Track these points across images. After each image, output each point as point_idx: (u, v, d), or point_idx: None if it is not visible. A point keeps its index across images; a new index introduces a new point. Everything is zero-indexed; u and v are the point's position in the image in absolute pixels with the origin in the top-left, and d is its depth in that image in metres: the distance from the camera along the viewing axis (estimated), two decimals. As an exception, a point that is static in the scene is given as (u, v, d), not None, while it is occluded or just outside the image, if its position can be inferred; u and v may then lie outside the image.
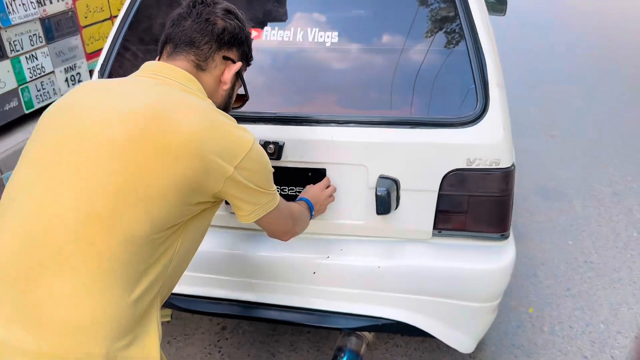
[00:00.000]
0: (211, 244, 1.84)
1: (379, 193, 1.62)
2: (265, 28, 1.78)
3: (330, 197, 1.71)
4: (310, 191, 1.67)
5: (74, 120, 1.01)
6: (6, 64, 3.34)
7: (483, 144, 1.61)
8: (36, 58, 3.60)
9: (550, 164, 4.04)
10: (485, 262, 1.73)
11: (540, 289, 2.71)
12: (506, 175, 1.65)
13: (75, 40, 4.06)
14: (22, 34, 3.43)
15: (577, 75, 6.19)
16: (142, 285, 0.98)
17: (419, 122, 1.64)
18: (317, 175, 1.73)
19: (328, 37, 1.74)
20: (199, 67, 1.19)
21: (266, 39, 1.77)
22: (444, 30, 1.73)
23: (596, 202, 3.52)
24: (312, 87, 1.77)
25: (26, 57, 3.48)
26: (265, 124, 1.72)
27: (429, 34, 1.74)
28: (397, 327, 1.79)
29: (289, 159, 1.73)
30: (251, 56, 1.34)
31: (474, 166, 1.64)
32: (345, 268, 1.77)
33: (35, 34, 3.56)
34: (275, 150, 1.70)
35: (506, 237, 1.76)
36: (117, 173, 0.95)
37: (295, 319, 1.84)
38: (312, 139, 1.69)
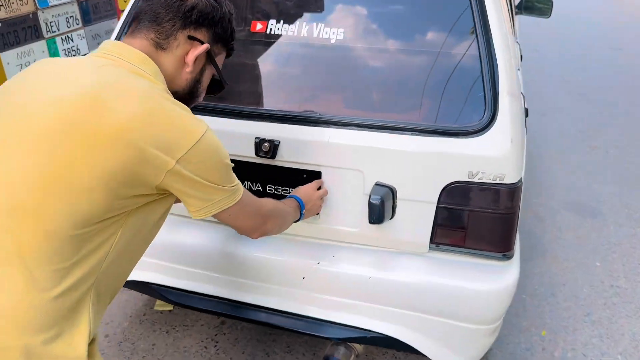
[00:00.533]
0: (203, 239, 1.80)
1: (372, 201, 1.54)
2: (270, 21, 1.71)
3: (322, 199, 1.64)
4: (302, 190, 1.60)
5: (8, 107, 0.97)
6: (41, 44, 3.41)
7: (487, 156, 1.50)
8: (72, 40, 3.67)
9: (587, 178, 3.81)
10: (485, 282, 1.62)
11: (557, 311, 2.55)
12: (511, 192, 1.54)
13: (112, 24, 4.11)
14: (59, 15, 3.49)
15: (629, 85, 5.84)
16: (69, 279, 0.93)
17: (420, 129, 1.54)
18: (312, 177, 1.67)
19: (333, 33, 1.66)
20: (159, 46, 1.10)
21: (269, 32, 1.71)
22: (454, 31, 1.62)
23: (632, 222, 3.30)
24: (313, 85, 1.69)
25: (62, 39, 3.55)
26: (261, 120, 1.66)
27: (439, 35, 1.63)
28: (387, 341, 1.71)
29: (284, 159, 1.66)
30: (230, 40, 1.24)
31: (476, 179, 1.53)
32: (336, 276, 1.69)
33: (72, 16, 3.62)
34: (270, 148, 1.64)
35: (509, 258, 1.64)
36: (46, 164, 0.91)
37: (284, 323, 1.79)
38: (309, 139, 1.62)
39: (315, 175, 1.66)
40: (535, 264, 2.90)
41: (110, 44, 1.08)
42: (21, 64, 3.10)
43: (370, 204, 1.54)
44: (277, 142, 1.64)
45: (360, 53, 1.66)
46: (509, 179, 1.52)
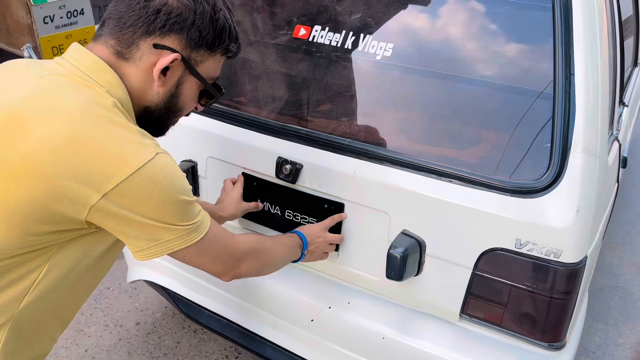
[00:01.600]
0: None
1: (392, 252, 1.29)
2: (314, 27, 1.50)
3: (332, 245, 1.43)
4: (309, 228, 1.40)
5: None
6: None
7: (541, 225, 1.19)
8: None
9: None
10: (522, 372, 1.31)
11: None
12: (568, 273, 1.21)
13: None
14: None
15: None
16: None
17: (464, 178, 1.26)
18: (334, 209, 1.45)
19: (381, 48, 1.40)
20: (120, 55, 0.94)
21: (311, 39, 1.49)
22: (529, 59, 1.30)
23: None
24: (347, 106, 1.46)
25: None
26: (286, 138, 1.47)
27: (508, 62, 1.31)
28: (396, 413, 1.47)
29: (306, 185, 1.46)
30: (218, 43, 1.01)
31: (523, 250, 1.22)
32: (346, 326, 1.48)
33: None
34: (291, 171, 1.45)
35: (558, 349, 1.31)
36: None
37: (287, 365, 1.61)
38: (333, 168, 1.41)
39: (339, 208, 1.44)
40: (622, 331, 2.44)
41: (72, 48, 0.94)
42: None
43: (389, 256, 1.30)
44: (299, 165, 1.44)
45: (407, 75, 1.39)
46: (567, 258, 1.19)
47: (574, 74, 1.20)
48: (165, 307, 2.50)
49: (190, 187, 0.96)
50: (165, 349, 2.27)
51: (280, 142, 1.48)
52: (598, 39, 1.23)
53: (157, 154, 0.87)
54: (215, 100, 1.12)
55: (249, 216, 1.60)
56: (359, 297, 1.51)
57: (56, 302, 0.95)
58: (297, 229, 1.39)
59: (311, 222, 1.49)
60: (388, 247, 1.33)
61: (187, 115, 1.13)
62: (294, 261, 1.35)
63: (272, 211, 1.56)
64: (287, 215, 1.54)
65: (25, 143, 0.80)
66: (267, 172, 1.50)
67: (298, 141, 1.46)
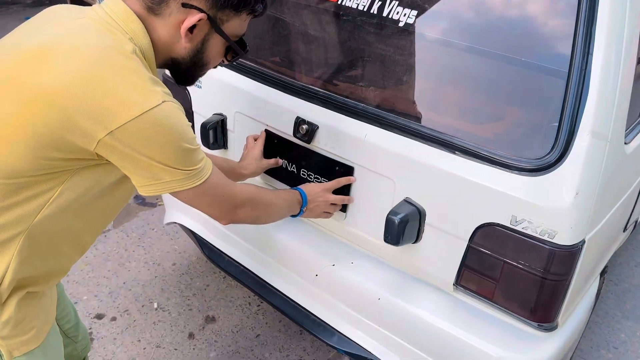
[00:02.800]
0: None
1: (390, 217, 1.33)
2: (343, -9, 1.52)
3: (334, 205, 1.48)
4: (312, 186, 1.46)
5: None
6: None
7: (538, 203, 1.18)
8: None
9: None
10: (511, 349, 1.33)
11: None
12: (562, 255, 1.20)
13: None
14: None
15: None
16: None
17: (468, 150, 1.26)
18: (344, 172, 1.50)
19: (404, 15, 1.41)
20: (151, 11, 1.00)
21: (340, 2, 1.51)
22: (549, 34, 1.26)
23: None
24: (366, 71, 1.48)
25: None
26: (305, 99, 1.52)
27: (526, 36, 1.28)
28: (386, 370, 1.53)
29: (320, 146, 1.52)
30: (243, 5, 1.06)
31: (518, 228, 1.22)
32: (347, 283, 1.54)
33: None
34: (307, 131, 1.50)
35: (548, 330, 1.31)
36: None
37: (294, 316, 1.70)
38: (346, 131, 1.45)
39: (348, 171, 1.48)
40: (652, 332, 2.35)
41: None
42: None
43: (387, 220, 1.34)
44: (315, 126, 1.50)
45: (427, 44, 1.39)
46: (562, 239, 1.19)
47: (592, 53, 1.16)
48: (201, 252, 2.67)
49: (195, 135, 1.02)
50: (195, 289, 2.44)
51: (300, 102, 1.54)
52: (626, 19, 1.18)
53: (163, 101, 0.92)
54: (240, 56, 1.18)
55: (269, 172, 1.68)
56: (362, 259, 1.57)
57: (70, 221, 1.05)
58: (300, 186, 1.45)
59: (323, 182, 1.55)
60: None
61: (215, 67, 1.20)
62: (293, 216, 1.43)
63: (289, 169, 1.63)
64: (302, 175, 1.60)
65: (46, 75, 0.89)
66: (285, 130, 1.57)
67: (316, 102, 1.51)
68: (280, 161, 1.64)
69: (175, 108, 0.96)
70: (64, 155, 0.93)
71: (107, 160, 0.97)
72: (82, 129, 0.89)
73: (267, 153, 1.65)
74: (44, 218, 0.99)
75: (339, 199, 1.48)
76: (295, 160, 1.61)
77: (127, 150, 0.93)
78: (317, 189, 1.45)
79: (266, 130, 1.64)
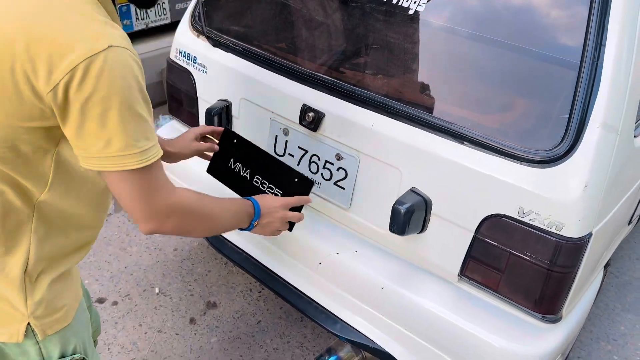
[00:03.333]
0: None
1: (396, 206, 1.33)
2: (352, -23, 1.50)
3: (287, 224, 1.28)
4: (269, 200, 1.24)
5: None
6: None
7: (546, 195, 1.18)
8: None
9: None
10: (514, 340, 1.33)
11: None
12: (569, 247, 1.20)
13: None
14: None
15: None
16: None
17: (476, 141, 1.26)
18: (303, 184, 1.35)
19: (414, 2, 1.39)
20: None
21: (348, -10, 1.50)
22: (562, 25, 1.25)
23: None
24: (375, 59, 1.47)
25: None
26: (312, 86, 1.51)
27: (538, 27, 1.27)
28: (388, 358, 1.54)
29: (326, 134, 1.51)
30: None
31: (525, 219, 1.22)
32: (350, 272, 1.54)
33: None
34: (313, 119, 1.49)
35: (552, 322, 1.32)
36: None
37: (297, 303, 1.70)
38: (353, 119, 1.44)
39: (307, 183, 1.34)
40: (651, 325, 2.36)
41: None
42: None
43: (393, 210, 1.33)
44: (322, 114, 1.49)
45: (436, 33, 1.38)
46: (570, 232, 1.18)
47: (604, 45, 1.15)
48: (203, 238, 2.67)
49: (148, 101, 0.88)
50: (197, 275, 2.44)
51: (307, 89, 1.52)
52: (640, 10, 1.17)
53: (110, 46, 0.80)
54: None
55: (220, 176, 1.51)
56: (367, 248, 1.57)
57: (77, 195, 1.01)
58: (255, 197, 1.23)
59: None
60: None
61: None
62: (242, 229, 1.21)
63: (242, 174, 1.47)
64: (255, 182, 1.45)
65: None
66: (291, 117, 1.56)
67: (323, 90, 1.49)
68: (216, 147, 1.47)
69: (126, 56, 0.83)
70: (35, 123, 0.86)
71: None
72: (31, 81, 0.81)
73: (224, 154, 1.49)
74: (48, 195, 0.96)
75: (297, 216, 1.28)
76: (250, 166, 1.44)
77: (71, 107, 0.82)
78: (275, 203, 1.24)
79: (225, 129, 1.48)
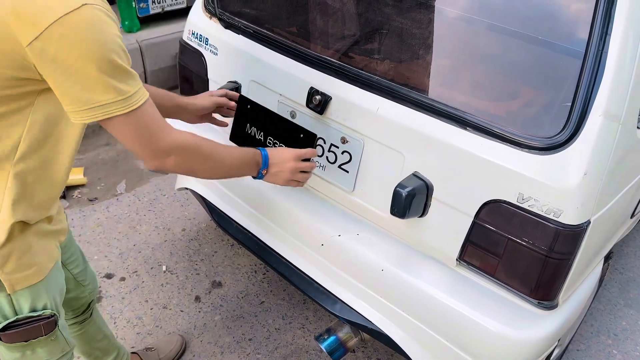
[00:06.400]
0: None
1: (398, 189, 1.35)
2: (363, -38, 1.51)
3: (302, 174, 1.37)
4: (280, 150, 1.34)
5: None
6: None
7: (545, 182, 1.19)
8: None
9: None
10: (509, 325, 1.35)
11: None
12: (567, 234, 1.21)
13: None
14: None
15: None
16: None
17: (478, 126, 1.27)
18: (307, 139, 1.49)
19: (424, -11, 1.40)
20: None
21: (359, -26, 1.51)
22: (568, 14, 1.25)
23: None
24: (384, 43, 1.48)
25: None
26: (319, 69, 1.53)
27: (544, 16, 1.27)
28: (385, 339, 1.56)
29: (332, 117, 1.53)
30: None
31: (524, 205, 1.23)
32: (351, 254, 1.57)
33: None
34: (320, 102, 1.52)
35: (548, 308, 1.33)
36: None
37: (298, 283, 1.73)
38: (359, 103, 1.46)
39: (311, 138, 1.46)
40: (654, 322, 2.36)
41: None
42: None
43: (394, 193, 1.35)
44: (329, 97, 1.51)
45: (444, 19, 1.39)
46: (568, 219, 1.20)
47: (610, 34, 1.15)
48: (210, 220, 2.71)
49: (127, 54, 0.94)
50: (203, 255, 2.49)
51: (315, 72, 1.54)
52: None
53: (84, 4, 0.86)
54: None
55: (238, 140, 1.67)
56: (368, 231, 1.59)
57: (48, 160, 1.04)
58: (267, 148, 1.33)
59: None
60: (398, 185, 1.38)
61: None
62: (255, 177, 1.32)
63: (257, 136, 1.63)
64: (269, 142, 1.61)
65: None
66: (298, 100, 1.58)
67: (331, 73, 1.51)
68: (233, 103, 1.60)
69: (100, 13, 0.89)
70: (15, 73, 0.90)
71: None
72: (10, 34, 0.86)
73: (239, 120, 1.66)
74: (27, 154, 1.00)
75: (309, 166, 1.37)
76: (265, 128, 1.61)
77: (53, 64, 0.88)
78: (286, 155, 1.34)
79: (240, 96, 1.62)
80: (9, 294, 1.08)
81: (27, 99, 0.96)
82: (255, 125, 1.62)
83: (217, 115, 1.62)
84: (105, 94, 0.91)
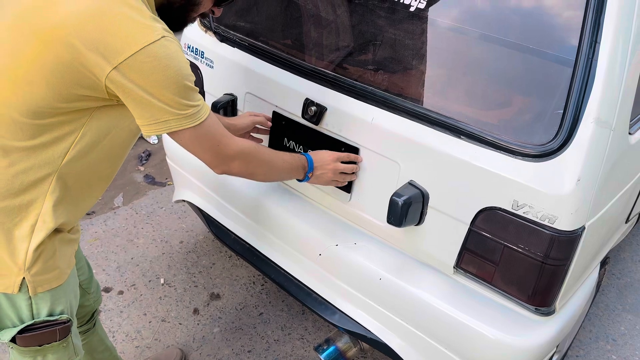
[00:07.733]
0: (250, 184, 1.80)
1: (394, 198, 1.36)
2: (356, -26, 1.53)
3: (344, 174, 1.49)
4: (321, 153, 1.47)
5: None
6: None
7: (539, 189, 1.20)
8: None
9: None
10: (506, 331, 1.35)
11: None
12: (562, 240, 1.22)
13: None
14: None
15: None
16: (23, 161, 1.01)
17: (472, 134, 1.28)
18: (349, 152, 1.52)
19: (416, 0, 1.42)
20: None
21: (351, -13, 1.53)
22: (558, 22, 1.27)
23: None
24: (377, 54, 1.50)
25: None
26: (314, 80, 1.55)
27: (535, 25, 1.29)
28: (385, 350, 1.57)
29: (328, 128, 1.54)
30: None
31: (519, 212, 1.24)
32: (349, 264, 1.57)
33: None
34: (315, 113, 1.53)
35: (545, 314, 1.34)
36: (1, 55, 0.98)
37: (296, 294, 1.74)
38: (354, 113, 1.47)
39: (353, 151, 1.51)
40: (652, 326, 2.36)
41: None
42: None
43: (391, 202, 1.36)
44: (324, 108, 1.52)
45: (436, 30, 1.40)
46: (563, 225, 1.21)
47: (599, 42, 1.17)
48: (208, 231, 2.71)
49: (194, 76, 1.07)
50: (201, 267, 2.49)
51: (310, 84, 1.56)
52: (635, 8, 1.19)
53: (163, 37, 0.98)
54: (229, 2, 1.24)
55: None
56: (365, 240, 1.60)
57: (91, 166, 1.12)
58: (309, 152, 1.46)
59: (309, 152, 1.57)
60: (394, 194, 1.39)
61: (204, 17, 1.21)
62: (300, 180, 1.45)
63: (297, 150, 1.66)
64: None
65: (56, 15, 0.95)
66: (294, 111, 1.59)
67: (325, 85, 1.53)
68: (269, 123, 1.68)
69: (174, 44, 1.01)
70: (80, 91, 0.99)
71: (118, 101, 1.03)
72: (92, 65, 0.95)
73: (275, 134, 1.68)
74: (71, 160, 1.06)
75: (349, 167, 1.48)
76: (302, 141, 1.64)
77: (130, 86, 0.98)
78: (327, 157, 1.46)
79: (274, 112, 1.67)
80: (30, 297, 1.10)
81: (86, 112, 1.03)
82: (293, 139, 1.66)
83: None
84: (178, 110, 1.03)
